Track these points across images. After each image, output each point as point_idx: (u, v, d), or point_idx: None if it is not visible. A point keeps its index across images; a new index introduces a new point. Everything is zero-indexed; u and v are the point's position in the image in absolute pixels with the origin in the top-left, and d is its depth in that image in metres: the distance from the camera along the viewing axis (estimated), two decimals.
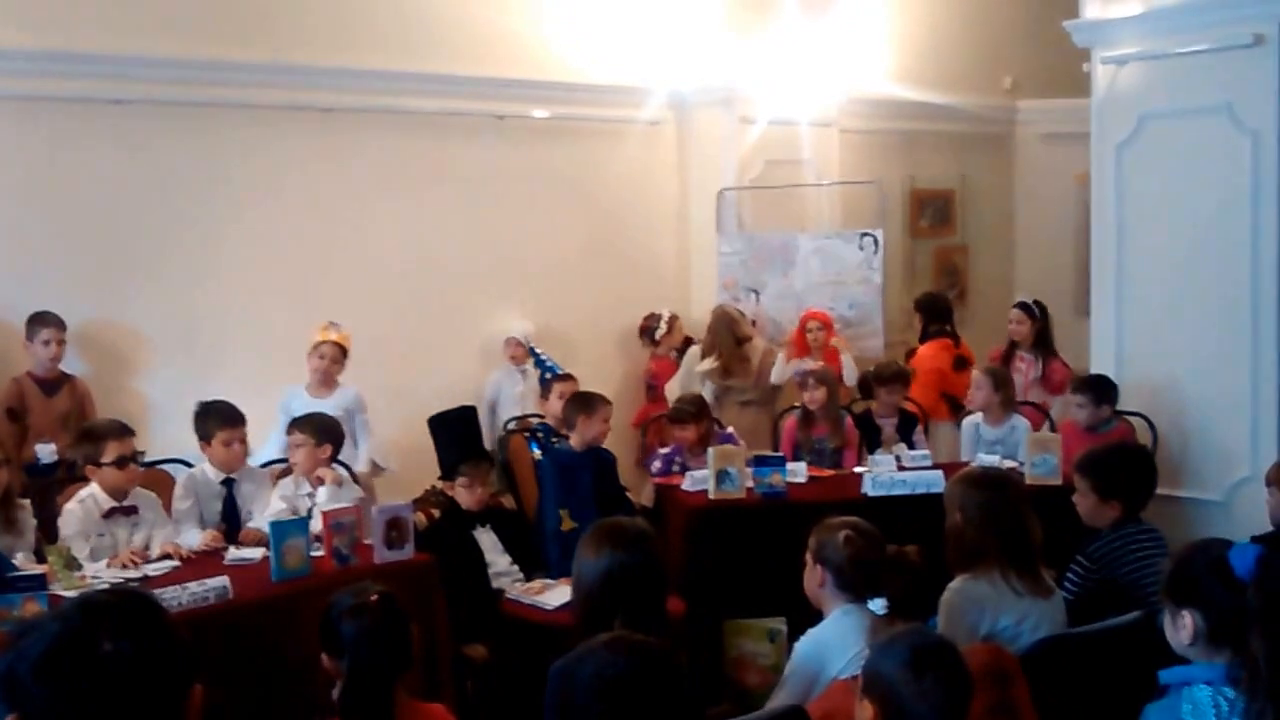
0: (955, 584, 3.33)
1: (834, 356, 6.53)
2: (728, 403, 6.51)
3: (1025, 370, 6.30)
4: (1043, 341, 6.37)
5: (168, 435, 5.22)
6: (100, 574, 3.79)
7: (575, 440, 4.95)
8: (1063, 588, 3.67)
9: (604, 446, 5.14)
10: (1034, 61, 8.59)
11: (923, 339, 6.90)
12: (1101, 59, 5.73)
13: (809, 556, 3.14)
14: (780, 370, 6.49)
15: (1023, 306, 6.45)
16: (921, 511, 4.36)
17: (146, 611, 1.59)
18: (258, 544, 4.10)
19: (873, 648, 2.39)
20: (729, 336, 6.50)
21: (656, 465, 5.56)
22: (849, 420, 5.87)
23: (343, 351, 5.56)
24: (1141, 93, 5.61)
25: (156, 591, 3.24)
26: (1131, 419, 5.57)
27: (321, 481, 4.53)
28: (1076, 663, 3.19)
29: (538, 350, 6.63)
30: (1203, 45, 5.34)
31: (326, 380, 5.50)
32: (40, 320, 5.21)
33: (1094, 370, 5.74)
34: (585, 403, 5.00)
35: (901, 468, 5.15)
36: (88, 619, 1.53)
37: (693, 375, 6.58)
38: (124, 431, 4.20)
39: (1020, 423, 5.57)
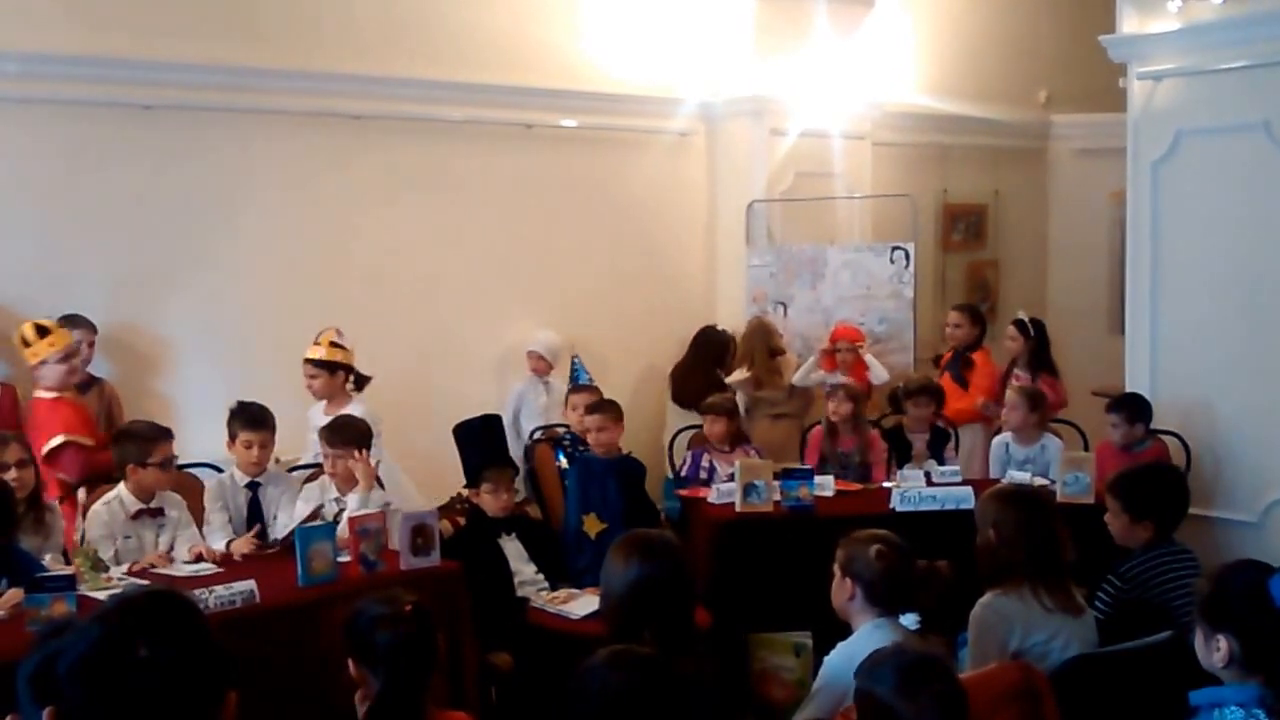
0: (985, 600, 3.32)
1: (861, 371, 6.49)
2: (759, 415, 6.50)
3: None
4: (1038, 360, 6.33)
5: (192, 439, 5.20)
6: (126, 577, 3.82)
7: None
8: (1094, 606, 3.64)
9: (634, 456, 5.16)
10: (1069, 76, 8.52)
11: (977, 347, 6.77)
12: (1138, 74, 5.68)
13: (837, 569, 3.12)
14: (806, 372, 6.47)
15: (1017, 324, 6.44)
16: (949, 527, 4.34)
17: (186, 616, 1.60)
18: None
19: (859, 670, 2.38)
20: (763, 347, 6.50)
21: (686, 468, 5.60)
22: (874, 434, 5.83)
23: (328, 368, 5.24)
24: (1178, 109, 5.55)
25: None
26: (1165, 438, 5.50)
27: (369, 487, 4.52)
28: (1107, 682, 3.16)
29: (577, 359, 6.62)
30: (1241, 62, 5.29)
31: (332, 398, 5.27)
32: (71, 322, 5.23)
33: (1128, 389, 5.68)
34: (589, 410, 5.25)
35: (931, 483, 5.11)
36: (128, 622, 1.54)
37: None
38: (169, 434, 4.29)
39: (1051, 442, 5.52)
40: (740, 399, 6.38)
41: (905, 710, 2.23)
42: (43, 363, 4.85)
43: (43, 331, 4.88)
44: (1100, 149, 7.94)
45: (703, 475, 5.51)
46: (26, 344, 4.85)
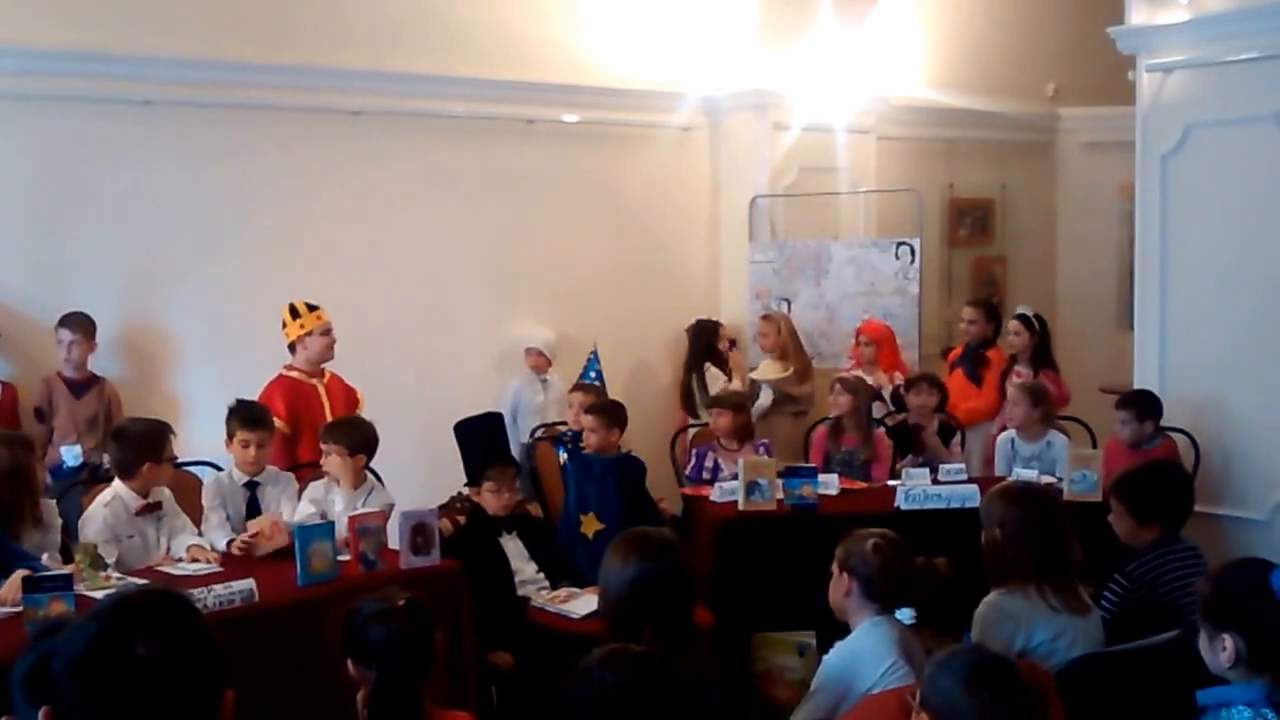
0: (990, 598, 3.32)
1: (890, 371, 6.44)
2: (783, 412, 6.47)
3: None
4: (1040, 355, 6.26)
5: (199, 438, 5.23)
6: (125, 576, 3.79)
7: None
8: (1100, 605, 3.60)
9: (634, 455, 5.12)
10: (1077, 68, 8.46)
11: (992, 344, 6.72)
12: (1147, 66, 5.62)
13: (835, 566, 3.13)
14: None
15: (1021, 318, 6.36)
16: (954, 526, 4.30)
17: (182, 615, 1.60)
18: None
19: (932, 662, 2.36)
20: (800, 345, 6.51)
21: (691, 465, 5.56)
22: (880, 432, 5.79)
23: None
24: (1188, 101, 5.50)
25: None
26: (1174, 436, 5.45)
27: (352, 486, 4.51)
28: (1113, 681, 3.13)
29: (595, 354, 6.56)
30: (1251, 53, 5.23)
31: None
32: (62, 322, 5.24)
33: (1137, 385, 5.63)
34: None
35: (936, 481, 5.07)
36: (124, 620, 1.53)
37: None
38: (171, 428, 4.31)
39: (1057, 439, 5.47)
40: (767, 393, 6.36)
41: (967, 705, 2.21)
42: (302, 338, 5.26)
43: (294, 313, 5.29)
44: (1109, 142, 7.90)
45: (705, 475, 5.46)
46: (285, 325, 5.29)
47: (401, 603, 2.78)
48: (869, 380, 6.13)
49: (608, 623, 2.99)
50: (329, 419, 5.05)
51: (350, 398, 5.38)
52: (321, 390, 5.28)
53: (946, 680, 2.25)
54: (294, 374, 5.28)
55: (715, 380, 6.70)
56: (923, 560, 3.12)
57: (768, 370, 6.53)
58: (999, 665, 2.32)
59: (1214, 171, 5.42)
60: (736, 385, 6.64)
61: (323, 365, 5.36)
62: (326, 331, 5.30)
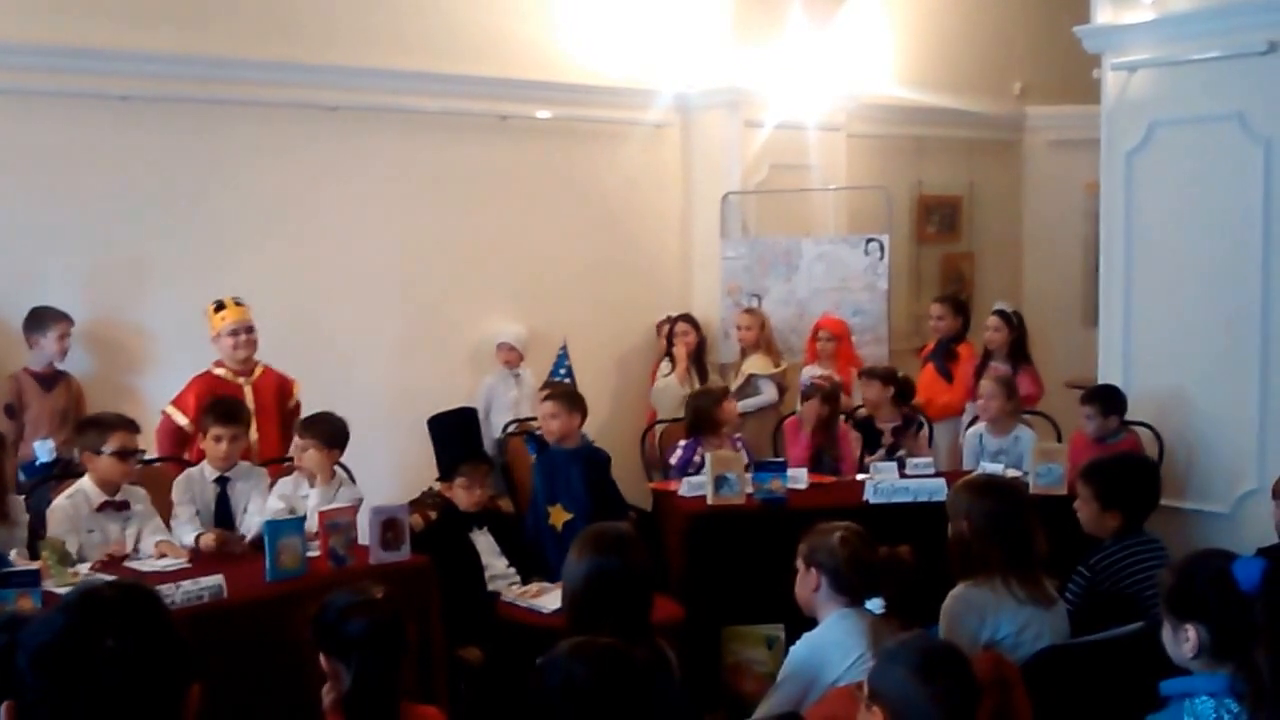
0: (957, 590, 3.33)
1: (846, 367, 6.48)
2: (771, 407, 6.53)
3: None
4: (1017, 351, 6.31)
5: None
6: (92, 572, 3.76)
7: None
8: (1064, 597, 3.64)
9: (599, 447, 5.12)
10: (1044, 67, 8.55)
11: (961, 339, 6.75)
12: (1112, 65, 5.68)
13: (800, 562, 3.13)
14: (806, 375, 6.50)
15: (1001, 314, 6.40)
16: (921, 520, 4.34)
17: (149, 609, 1.59)
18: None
19: (880, 654, 2.37)
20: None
21: (677, 456, 5.53)
22: (844, 427, 5.82)
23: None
24: (1152, 100, 5.56)
25: None
26: (1139, 430, 5.52)
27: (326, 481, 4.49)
28: (1077, 673, 3.16)
29: (564, 349, 6.56)
30: (1215, 52, 5.29)
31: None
32: (50, 316, 5.17)
33: (1101, 380, 5.69)
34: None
35: (904, 475, 5.11)
36: (93, 613, 1.53)
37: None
38: (131, 425, 4.23)
39: (1024, 433, 5.53)
40: (773, 388, 6.42)
41: (919, 696, 2.21)
42: (216, 337, 5.17)
43: (219, 307, 5.19)
44: (1075, 140, 7.96)
45: (692, 471, 5.44)
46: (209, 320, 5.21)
47: (380, 595, 2.77)
48: (831, 374, 6.18)
49: (568, 616, 3.01)
50: (253, 418, 4.99)
51: (283, 391, 5.28)
52: (248, 390, 5.16)
53: (898, 671, 2.25)
54: (219, 371, 5.18)
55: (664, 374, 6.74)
56: (886, 550, 3.14)
57: (762, 365, 6.52)
58: (949, 654, 2.33)
59: (1177, 169, 5.48)
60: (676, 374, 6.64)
61: (251, 361, 5.24)
62: (234, 332, 5.16)
